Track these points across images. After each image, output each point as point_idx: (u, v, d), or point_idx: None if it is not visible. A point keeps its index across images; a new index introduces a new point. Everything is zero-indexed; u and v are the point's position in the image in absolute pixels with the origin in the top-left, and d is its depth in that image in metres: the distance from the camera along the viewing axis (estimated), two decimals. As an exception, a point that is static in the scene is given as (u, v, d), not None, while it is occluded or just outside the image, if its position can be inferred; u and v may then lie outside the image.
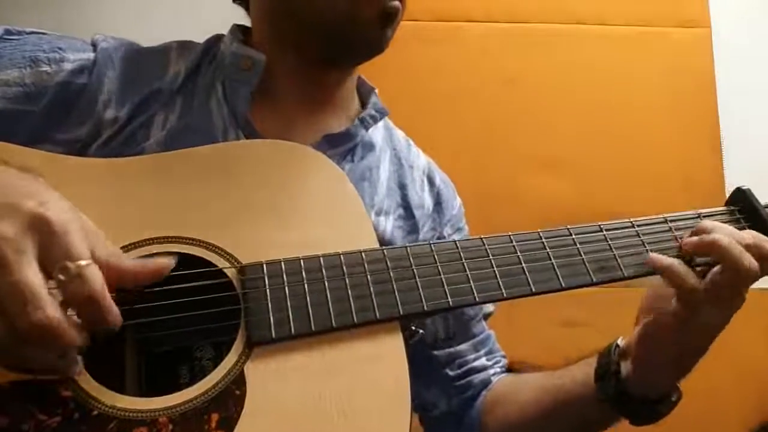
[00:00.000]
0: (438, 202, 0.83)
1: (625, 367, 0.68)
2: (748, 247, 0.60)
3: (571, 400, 0.72)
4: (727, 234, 0.61)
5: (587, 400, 0.70)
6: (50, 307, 0.45)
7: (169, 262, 0.54)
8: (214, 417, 0.50)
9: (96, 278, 0.47)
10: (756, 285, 0.62)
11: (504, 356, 0.86)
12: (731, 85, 1.77)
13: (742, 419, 1.62)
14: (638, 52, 1.79)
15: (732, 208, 0.68)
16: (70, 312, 0.47)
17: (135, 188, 0.59)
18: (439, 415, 0.82)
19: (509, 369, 0.85)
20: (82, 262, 0.47)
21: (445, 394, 0.81)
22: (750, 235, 0.61)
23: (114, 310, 0.48)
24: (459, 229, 0.86)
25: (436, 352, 0.80)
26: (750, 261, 0.59)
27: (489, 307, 0.86)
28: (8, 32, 0.69)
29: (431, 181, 0.84)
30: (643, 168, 1.72)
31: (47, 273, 0.46)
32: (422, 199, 0.81)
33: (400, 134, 0.86)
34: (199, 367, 0.54)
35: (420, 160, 0.85)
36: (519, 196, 1.70)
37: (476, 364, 0.82)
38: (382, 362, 0.55)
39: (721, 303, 0.61)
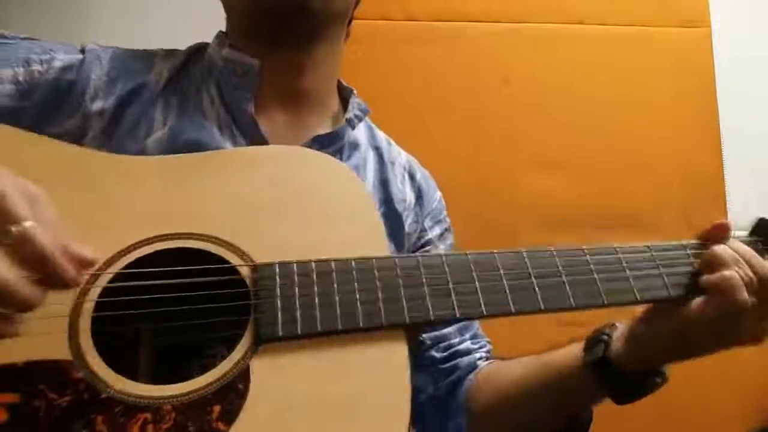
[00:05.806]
0: (419, 196, 0.86)
1: (616, 340, 0.69)
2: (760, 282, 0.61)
3: (558, 370, 0.73)
4: (735, 267, 0.62)
5: (573, 369, 0.71)
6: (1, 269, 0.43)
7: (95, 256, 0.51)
8: (216, 409, 0.51)
9: (42, 238, 0.45)
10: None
11: (489, 342, 0.87)
12: (731, 85, 1.77)
13: (743, 419, 1.61)
14: (638, 52, 1.79)
15: (756, 239, 0.68)
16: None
17: (143, 188, 0.60)
18: (425, 399, 0.82)
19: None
20: (26, 224, 0.45)
21: (432, 378, 0.82)
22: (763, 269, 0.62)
23: (69, 268, 0.47)
24: (439, 221, 0.88)
25: (423, 336, 0.82)
26: (743, 296, 0.60)
27: None
28: (3, 36, 0.73)
29: (412, 176, 0.87)
30: (643, 168, 1.72)
31: None
32: (404, 193, 0.84)
33: (380, 133, 0.89)
34: (212, 365, 0.54)
35: (401, 157, 0.88)
36: (518, 196, 1.69)
37: (461, 347, 0.83)
38: (385, 368, 0.55)
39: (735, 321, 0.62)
